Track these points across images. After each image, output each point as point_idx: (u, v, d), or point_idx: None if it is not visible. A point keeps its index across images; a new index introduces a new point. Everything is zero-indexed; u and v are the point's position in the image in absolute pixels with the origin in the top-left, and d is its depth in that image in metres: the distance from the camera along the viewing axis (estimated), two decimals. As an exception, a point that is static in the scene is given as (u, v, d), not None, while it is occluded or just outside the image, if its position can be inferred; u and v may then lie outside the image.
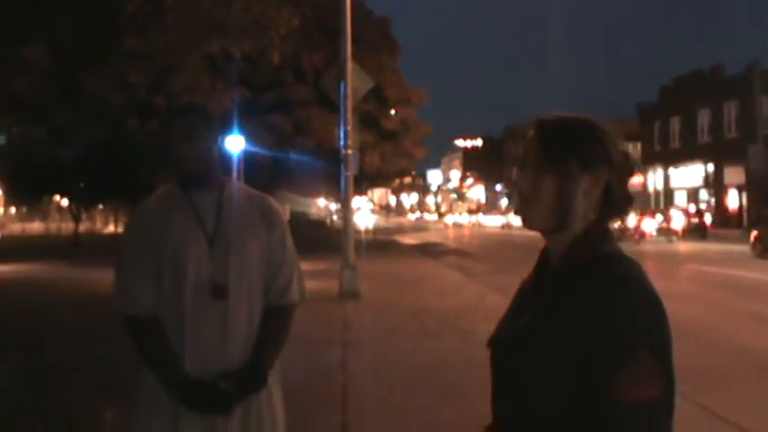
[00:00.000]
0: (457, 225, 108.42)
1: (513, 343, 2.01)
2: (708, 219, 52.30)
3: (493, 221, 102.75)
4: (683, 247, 40.07)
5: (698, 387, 8.12)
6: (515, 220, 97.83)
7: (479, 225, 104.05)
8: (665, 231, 46.08)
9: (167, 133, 3.37)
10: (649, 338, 1.82)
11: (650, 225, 45.61)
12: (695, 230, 48.31)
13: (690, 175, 68.07)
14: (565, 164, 1.97)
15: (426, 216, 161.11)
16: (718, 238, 45.54)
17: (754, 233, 33.57)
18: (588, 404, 1.81)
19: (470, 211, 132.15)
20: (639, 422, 1.77)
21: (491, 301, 15.67)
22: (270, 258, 3.40)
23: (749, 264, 28.00)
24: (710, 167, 63.80)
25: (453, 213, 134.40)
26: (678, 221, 47.04)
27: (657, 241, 43.45)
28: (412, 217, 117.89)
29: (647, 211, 50.05)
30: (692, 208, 55.33)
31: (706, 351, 11.29)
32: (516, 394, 1.96)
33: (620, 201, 2.03)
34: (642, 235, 43.73)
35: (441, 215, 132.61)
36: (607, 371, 1.79)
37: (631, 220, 43.56)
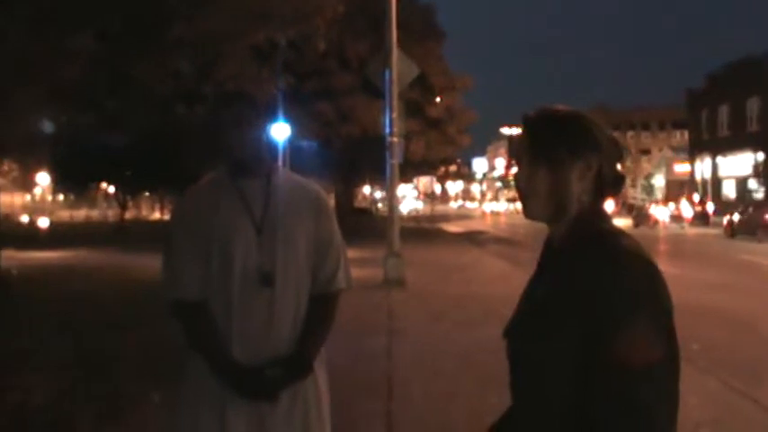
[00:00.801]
0: (494, 213, 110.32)
1: (521, 328, 2.10)
2: (710, 207, 56.50)
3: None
4: (691, 231, 46.15)
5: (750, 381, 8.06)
6: None
7: (516, 212, 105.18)
8: (677, 218, 51.97)
9: (216, 121, 3.39)
10: (646, 304, 1.89)
11: (663, 213, 51.90)
12: (699, 218, 53.93)
13: (738, 164, 67.17)
14: (555, 154, 2.06)
15: (468, 204, 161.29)
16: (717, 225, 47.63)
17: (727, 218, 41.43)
18: (593, 374, 1.87)
19: (508, 200, 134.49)
20: (643, 385, 1.83)
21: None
22: (317, 245, 3.40)
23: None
24: (760, 156, 62.92)
25: (491, 201, 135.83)
26: (687, 210, 52.83)
27: (669, 227, 48.11)
28: (454, 205, 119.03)
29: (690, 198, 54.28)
30: (696, 198, 60.19)
31: (761, 343, 11.20)
32: (528, 379, 2.04)
33: (612, 183, 2.11)
34: (656, 222, 49.65)
35: (480, 203, 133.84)
36: (608, 338, 1.86)
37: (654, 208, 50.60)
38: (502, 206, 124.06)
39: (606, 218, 2.10)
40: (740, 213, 40.44)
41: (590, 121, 2.10)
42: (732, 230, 39.80)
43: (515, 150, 2.15)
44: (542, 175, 2.06)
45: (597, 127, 2.10)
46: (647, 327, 1.86)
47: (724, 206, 59.90)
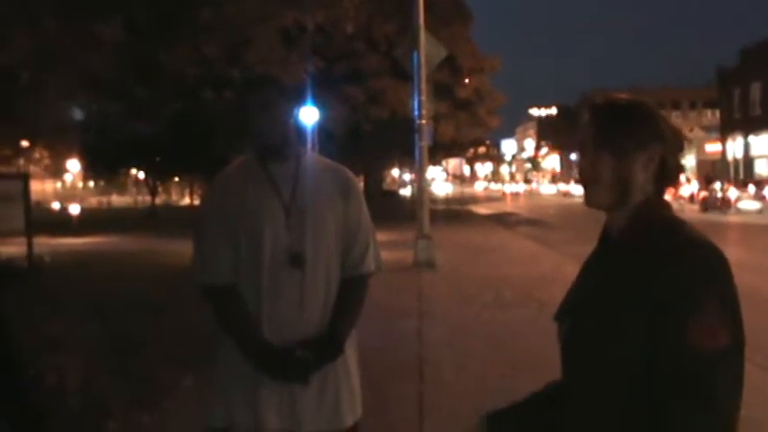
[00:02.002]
0: (513, 193, 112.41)
1: (583, 311, 2.10)
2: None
3: (548, 189, 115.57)
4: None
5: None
6: (576, 189, 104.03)
7: (536, 193, 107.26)
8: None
9: (245, 106, 3.39)
10: (716, 290, 1.91)
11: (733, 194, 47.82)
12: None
13: (771, 143, 66.37)
14: (620, 143, 2.07)
15: (492, 186, 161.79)
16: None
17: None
18: (661, 357, 1.90)
19: (526, 181, 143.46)
20: (712, 369, 1.86)
21: (567, 270, 15.57)
22: (346, 228, 3.40)
23: None
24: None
25: (511, 183, 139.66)
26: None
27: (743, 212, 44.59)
28: (479, 187, 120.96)
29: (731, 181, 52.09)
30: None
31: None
32: (590, 360, 2.04)
33: (674, 173, 2.14)
34: (728, 204, 45.83)
35: (503, 184, 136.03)
36: (679, 321, 1.88)
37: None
38: (521, 187, 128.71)
39: (669, 206, 2.13)
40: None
41: (654, 111, 2.12)
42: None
43: (579, 136, 2.16)
44: (606, 163, 2.08)
45: (661, 117, 2.12)
46: (716, 313, 1.88)
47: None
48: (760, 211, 43.19)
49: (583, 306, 2.12)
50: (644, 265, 1.96)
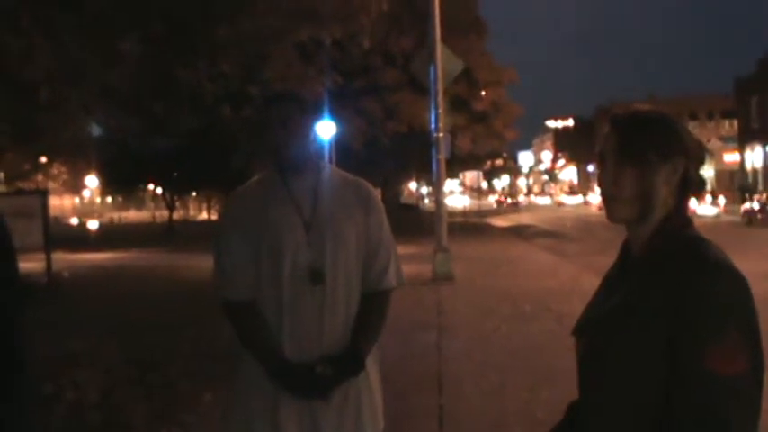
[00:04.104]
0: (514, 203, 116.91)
1: (601, 328, 2.08)
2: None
3: (544, 201, 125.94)
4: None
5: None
6: (568, 200, 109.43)
7: (533, 204, 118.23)
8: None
9: (264, 121, 3.40)
10: (736, 315, 1.89)
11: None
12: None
13: (790, 153, 66.06)
14: (644, 156, 2.04)
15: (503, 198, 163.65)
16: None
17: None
18: (678, 381, 1.89)
19: (527, 193, 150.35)
20: (727, 395, 1.84)
21: (585, 282, 15.53)
22: (367, 243, 3.39)
23: None
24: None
25: (515, 196, 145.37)
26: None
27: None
28: (491, 199, 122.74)
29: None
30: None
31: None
32: (605, 378, 2.03)
33: (696, 185, 2.11)
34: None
35: (512, 197, 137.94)
36: (697, 347, 1.86)
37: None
38: (522, 198, 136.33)
39: (691, 223, 2.11)
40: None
41: (677, 124, 2.10)
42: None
43: (600, 148, 2.13)
44: (629, 176, 2.05)
45: (684, 129, 2.10)
46: (736, 338, 1.86)
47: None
48: None
49: (600, 323, 2.10)
50: (664, 286, 1.94)
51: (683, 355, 1.87)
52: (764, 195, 46.53)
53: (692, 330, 1.87)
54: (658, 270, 1.99)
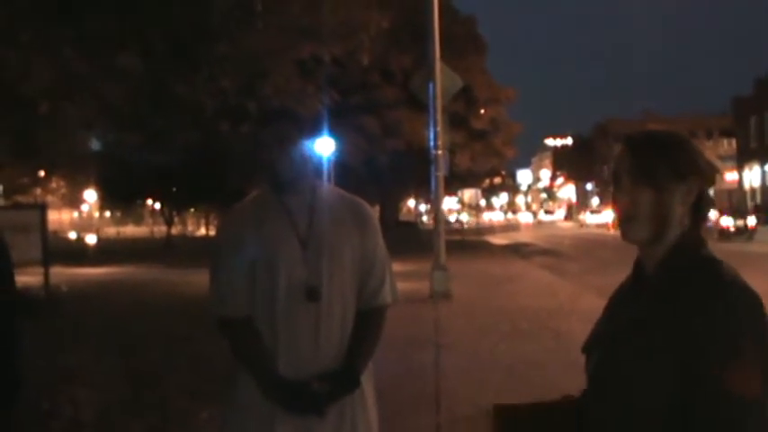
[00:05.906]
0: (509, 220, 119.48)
1: (612, 345, 2.08)
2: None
3: (526, 218, 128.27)
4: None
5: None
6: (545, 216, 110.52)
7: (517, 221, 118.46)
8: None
9: (260, 139, 3.41)
10: (753, 335, 1.89)
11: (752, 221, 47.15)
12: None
13: (788, 172, 66.09)
14: (659, 176, 2.05)
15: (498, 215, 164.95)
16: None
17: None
18: (693, 401, 1.88)
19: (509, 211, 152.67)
20: (744, 415, 1.84)
21: (583, 301, 15.51)
22: (362, 260, 3.40)
23: None
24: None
25: (513, 213, 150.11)
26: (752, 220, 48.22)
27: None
28: (486, 217, 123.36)
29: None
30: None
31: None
32: (614, 395, 2.02)
33: (709, 205, 2.13)
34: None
35: (506, 214, 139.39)
36: (713, 367, 1.86)
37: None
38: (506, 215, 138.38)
39: (705, 244, 2.11)
40: None
41: (692, 144, 2.11)
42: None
43: (614, 169, 2.14)
44: (645, 197, 2.06)
45: (698, 149, 2.11)
46: (752, 359, 1.87)
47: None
48: None
49: (613, 340, 2.09)
50: (679, 307, 1.94)
51: (699, 376, 1.87)
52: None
53: (709, 351, 1.87)
54: (673, 291, 1.99)
